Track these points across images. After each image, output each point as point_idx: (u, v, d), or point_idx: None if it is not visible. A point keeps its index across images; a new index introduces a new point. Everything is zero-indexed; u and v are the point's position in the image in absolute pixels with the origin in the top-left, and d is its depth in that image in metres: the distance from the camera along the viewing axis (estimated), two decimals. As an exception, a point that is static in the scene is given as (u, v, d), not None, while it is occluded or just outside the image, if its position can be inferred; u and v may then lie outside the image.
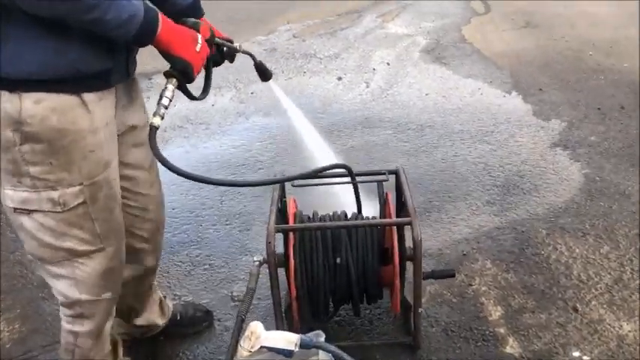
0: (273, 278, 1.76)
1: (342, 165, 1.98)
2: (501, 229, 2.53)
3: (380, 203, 1.96)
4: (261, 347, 1.59)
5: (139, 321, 1.94)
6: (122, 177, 1.61)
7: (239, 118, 3.82)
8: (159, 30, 1.37)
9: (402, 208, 2.11)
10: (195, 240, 2.59)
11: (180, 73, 1.43)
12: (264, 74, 1.84)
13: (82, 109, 1.37)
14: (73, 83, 1.34)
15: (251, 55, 1.77)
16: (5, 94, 1.28)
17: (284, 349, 1.55)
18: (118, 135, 1.55)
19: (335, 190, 2.14)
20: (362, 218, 1.95)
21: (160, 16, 1.38)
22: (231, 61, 1.71)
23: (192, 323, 2.06)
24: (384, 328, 2.04)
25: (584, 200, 2.70)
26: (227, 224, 2.68)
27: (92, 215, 1.46)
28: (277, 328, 1.84)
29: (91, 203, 1.44)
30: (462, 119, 3.60)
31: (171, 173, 1.39)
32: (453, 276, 1.93)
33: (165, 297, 2.06)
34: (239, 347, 1.60)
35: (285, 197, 2.05)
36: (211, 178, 1.54)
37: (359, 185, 2.03)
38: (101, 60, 1.37)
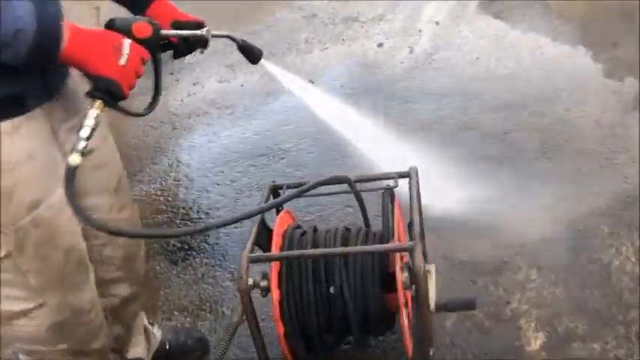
0: (252, 326, 1.48)
1: (339, 178, 1.65)
2: (553, 227, 2.11)
3: (383, 217, 1.62)
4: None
5: (130, 354, 1.75)
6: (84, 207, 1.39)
7: (267, 98, 3.51)
8: (63, 44, 1.08)
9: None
10: (202, 247, 2.36)
11: (105, 94, 1.16)
12: (251, 55, 1.52)
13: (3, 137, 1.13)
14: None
15: (229, 37, 1.47)
16: None
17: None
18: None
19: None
20: (366, 235, 1.62)
21: (66, 25, 1.10)
22: (202, 48, 1.41)
23: (183, 352, 1.84)
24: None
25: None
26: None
27: (22, 267, 1.23)
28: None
29: (18, 252, 1.21)
30: (517, 87, 3.11)
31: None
32: (474, 308, 1.57)
33: (153, 324, 1.85)
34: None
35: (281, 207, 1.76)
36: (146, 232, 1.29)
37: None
38: (6, 83, 1.12)
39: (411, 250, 1.39)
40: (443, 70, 3.47)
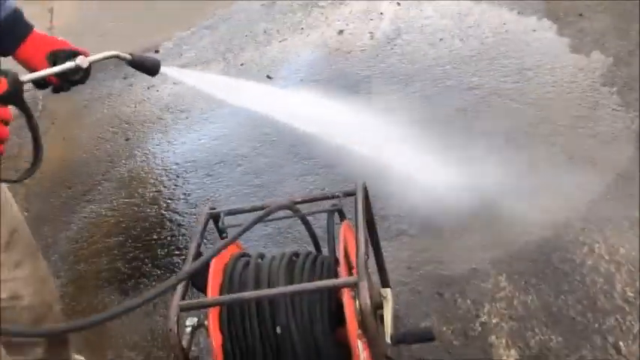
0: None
1: (282, 206, 1.49)
2: (522, 225, 1.97)
3: (328, 243, 1.47)
4: None
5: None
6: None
7: (223, 100, 3.34)
8: None
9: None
10: (154, 273, 2.21)
11: None
12: (146, 69, 1.36)
13: None
14: None
15: (116, 57, 1.30)
16: None
17: None
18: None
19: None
20: (313, 263, 1.47)
21: None
22: (83, 80, 1.25)
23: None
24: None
25: (636, 171, 2.08)
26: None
27: None
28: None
29: None
30: (481, 68, 2.96)
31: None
32: (433, 339, 1.43)
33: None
34: None
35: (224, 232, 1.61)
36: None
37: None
38: None
39: (355, 285, 1.25)
40: (406, 55, 3.31)
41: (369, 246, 1.52)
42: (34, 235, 2.55)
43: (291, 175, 2.52)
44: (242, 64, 3.68)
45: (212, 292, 1.40)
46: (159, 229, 2.42)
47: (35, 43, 1.22)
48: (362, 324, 1.25)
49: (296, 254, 1.53)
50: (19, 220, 1.38)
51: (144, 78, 3.91)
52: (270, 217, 1.53)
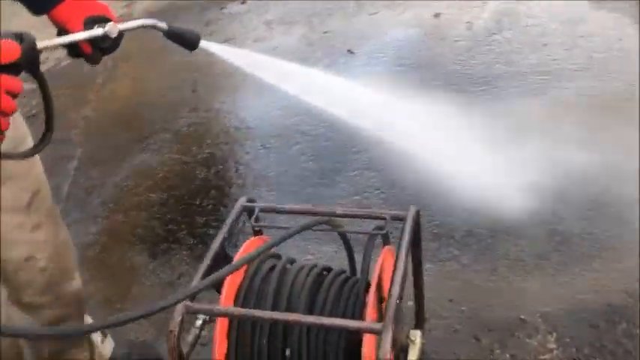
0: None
1: (322, 221, 1.34)
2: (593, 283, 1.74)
3: (362, 270, 1.31)
4: None
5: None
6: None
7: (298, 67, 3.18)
8: None
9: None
10: (186, 241, 2.13)
11: None
12: (186, 43, 1.22)
13: None
14: None
15: (145, 26, 1.17)
16: None
17: None
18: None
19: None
20: (341, 288, 1.32)
21: None
22: (113, 49, 1.13)
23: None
24: None
25: None
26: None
27: None
28: None
29: None
30: (583, 86, 2.64)
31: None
32: None
33: (104, 337, 1.65)
34: None
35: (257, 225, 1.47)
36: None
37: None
38: None
39: (378, 333, 1.10)
40: (502, 54, 3.02)
41: (403, 280, 1.34)
42: (82, 174, 2.59)
43: (348, 166, 2.36)
44: (325, 32, 3.50)
45: (226, 298, 1.28)
46: (202, 195, 2.33)
47: (73, 6, 1.10)
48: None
49: (327, 269, 1.39)
50: (43, 181, 1.31)
51: (226, 28, 3.84)
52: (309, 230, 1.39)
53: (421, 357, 1.52)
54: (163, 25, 1.18)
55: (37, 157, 1.27)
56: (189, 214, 2.25)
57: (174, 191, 2.38)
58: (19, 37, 0.91)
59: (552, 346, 1.59)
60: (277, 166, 2.43)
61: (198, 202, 2.30)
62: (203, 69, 3.24)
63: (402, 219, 1.36)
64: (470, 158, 2.10)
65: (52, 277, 1.35)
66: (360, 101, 2.26)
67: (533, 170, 2.12)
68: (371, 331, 1.13)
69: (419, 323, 1.65)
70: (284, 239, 1.20)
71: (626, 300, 1.66)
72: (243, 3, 4.01)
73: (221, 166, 2.48)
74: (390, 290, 1.18)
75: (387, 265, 1.30)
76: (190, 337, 1.32)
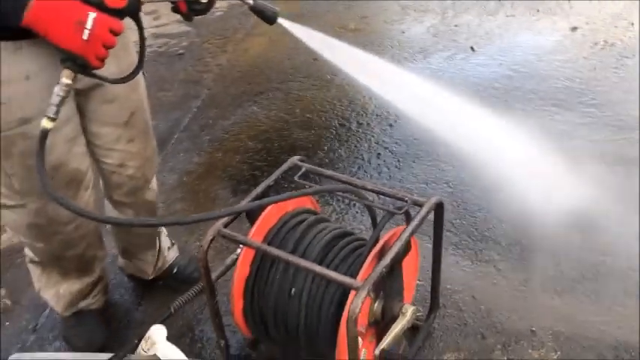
0: (208, 291, 1.51)
1: (351, 190, 1.53)
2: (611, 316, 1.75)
3: (369, 241, 1.47)
4: (155, 355, 1.44)
5: (131, 263, 1.93)
6: (90, 133, 1.53)
7: (415, 55, 3.30)
8: (28, 12, 1.11)
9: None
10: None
11: (72, 65, 1.19)
12: (264, 16, 1.44)
13: (-2, 53, 1.25)
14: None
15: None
16: None
17: (165, 367, 1.38)
18: (83, 90, 1.42)
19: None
20: (350, 252, 1.50)
21: None
22: (205, 11, 1.38)
23: (184, 281, 1.95)
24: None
25: None
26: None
27: (7, 170, 1.39)
28: (219, 337, 1.63)
29: (4, 157, 1.36)
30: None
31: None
32: None
33: (171, 245, 1.99)
34: (140, 345, 1.48)
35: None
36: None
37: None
38: None
39: (352, 288, 1.28)
40: (625, 81, 2.89)
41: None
42: (201, 112, 2.97)
43: (426, 156, 2.48)
44: (455, 25, 3.57)
45: (255, 235, 1.53)
46: (291, 153, 2.57)
47: None
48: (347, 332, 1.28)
49: (345, 234, 1.58)
50: (141, 104, 1.60)
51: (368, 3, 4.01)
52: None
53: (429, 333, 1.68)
54: (250, 0, 1.41)
55: (140, 84, 1.56)
56: (274, 165, 2.51)
57: (269, 144, 2.67)
58: None
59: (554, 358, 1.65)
60: (362, 143, 2.61)
61: (284, 158, 2.56)
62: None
63: (421, 205, 1.51)
64: (546, 177, 2.15)
65: (137, 182, 1.67)
66: (454, 100, 2.37)
67: (603, 200, 2.10)
68: (351, 287, 1.31)
69: (432, 307, 1.79)
70: (305, 194, 1.41)
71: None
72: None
73: (313, 131, 2.72)
74: (379, 261, 1.35)
75: (391, 240, 1.45)
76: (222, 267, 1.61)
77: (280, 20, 1.46)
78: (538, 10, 3.65)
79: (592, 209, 2.03)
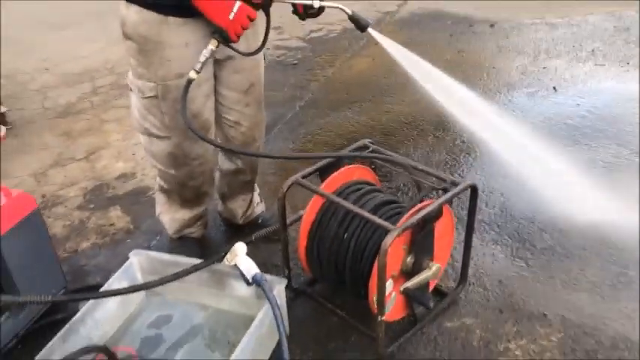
0: (282, 225, 1.98)
1: (404, 165, 1.95)
2: (620, 315, 2.00)
3: (411, 203, 1.86)
4: (235, 265, 1.90)
5: (227, 206, 2.43)
6: (219, 93, 2.05)
7: (500, 88, 3.63)
8: None
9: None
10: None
11: (219, 36, 1.72)
12: (359, 24, 1.89)
13: (166, 26, 1.81)
14: (163, 7, 1.78)
15: (339, 8, 1.86)
16: (122, 3, 1.82)
17: (244, 275, 1.84)
18: (220, 60, 1.94)
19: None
20: (394, 214, 1.90)
21: None
22: (316, 15, 1.87)
23: (268, 233, 2.40)
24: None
25: None
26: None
27: (162, 109, 1.94)
28: (284, 266, 2.08)
29: (161, 99, 1.91)
30: None
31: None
32: (428, 307, 1.74)
33: (260, 201, 2.47)
34: (226, 256, 1.94)
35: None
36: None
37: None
38: None
39: (386, 231, 1.68)
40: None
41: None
42: (302, 111, 3.48)
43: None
44: (544, 67, 3.86)
45: (326, 187, 1.97)
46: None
47: None
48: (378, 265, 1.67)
49: (394, 201, 1.98)
50: (258, 79, 2.10)
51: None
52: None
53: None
54: (349, 10, 1.88)
55: (260, 64, 2.07)
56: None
57: (353, 141, 3.08)
58: None
59: (554, 339, 1.93)
60: (434, 153, 2.98)
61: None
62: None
63: (457, 185, 1.88)
64: (588, 199, 2.44)
65: (247, 139, 2.16)
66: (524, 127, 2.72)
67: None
68: (387, 229, 1.70)
69: (461, 280, 2.13)
70: (370, 157, 1.86)
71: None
72: (491, 27, 4.53)
73: (394, 137, 3.14)
74: (408, 216, 1.74)
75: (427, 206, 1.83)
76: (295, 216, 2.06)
77: (370, 30, 1.91)
78: (628, 63, 3.85)
79: (625, 228, 2.29)
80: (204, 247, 2.36)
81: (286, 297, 2.01)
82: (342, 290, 2.07)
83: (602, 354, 1.87)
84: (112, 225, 2.61)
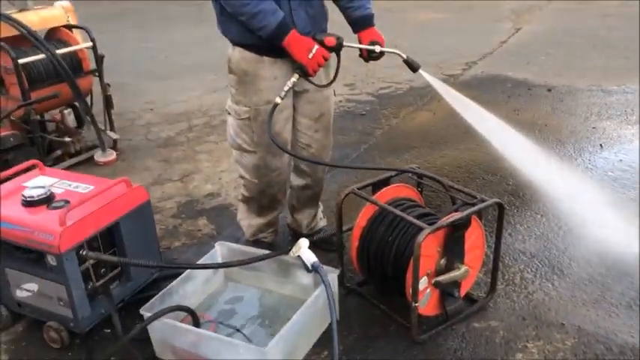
0: (338, 227, 2.41)
1: (435, 179, 2.36)
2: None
3: (446, 214, 2.25)
4: (298, 255, 2.33)
5: (294, 218, 2.89)
6: (295, 120, 2.56)
7: (550, 142, 3.95)
8: (285, 40, 2.21)
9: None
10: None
11: (300, 71, 2.24)
12: (412, 67, 2.37)
13: (261, 64, 2.36)
14: (260, 49, 2.33)
15: (396, 53, 2.34)
16: (229, 45, 2.40)
17: (305, 263, 2.27)
18: (298, 92, 2.46)
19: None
20: (435, 219, 2.28)
21: (291, 31, 2.20)
22: (377, 58, 2.36)
23: (328, 241, 2.82)
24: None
25: None
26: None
27: (252, 128, 2.46)
28: (338, 263, 2.49)
29: (253, 120, 2.44)
30: None
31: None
32: (453, 296, 2.10)
33: (322, 217, 2.92)
34: (291, 250, 2.37)
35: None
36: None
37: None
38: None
39: (419, 229, 2.07)
40: None
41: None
42: (365, 153, 3.94)
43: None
44: (594, 128, 4.16)
45: (377, 199, 2.39)
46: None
47: (370, 32, 2.36)
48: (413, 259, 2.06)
49: (433, 214, 2.37)
50: (328, 110, 2.57)
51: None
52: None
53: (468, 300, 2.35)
54: (404, 55, 2.36)
55: (330, 98, 2.56)
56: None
57: (409, 179, 3.53)
58: (337, 37, 2.22)
59: (568, 343, 2.21)
60: (484, 191, 3.34)
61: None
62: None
63: (484, 201, 2.25)
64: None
65: (316, 155, 2.62)
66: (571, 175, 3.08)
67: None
68: (422, 228, 2.09)
69: (491, 290, 2.45)
70: (414, 172, 2.27)
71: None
72: (549, 90, 4.90)
73: (446, 177, 3.52)
74: (443, 221, 2.13)
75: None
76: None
77: (421, 71, 2.38)
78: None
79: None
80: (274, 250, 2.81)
81: (339, 293, 2.42)
82: (387, 291, 2.45)
83: (609, 357, 2.14)
84: (199, 230, 3.12)
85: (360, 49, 2.36)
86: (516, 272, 2.64)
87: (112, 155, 4.06)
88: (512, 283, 2.57)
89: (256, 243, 2.78)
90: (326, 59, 2.25)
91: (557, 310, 2.39)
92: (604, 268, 2.63)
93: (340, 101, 4.94)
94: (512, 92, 4.95)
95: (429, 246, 2.13)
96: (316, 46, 2.21)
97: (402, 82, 5.28)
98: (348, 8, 2.38)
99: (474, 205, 2.27)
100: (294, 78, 2.26)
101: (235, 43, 2.36)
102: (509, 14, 7.96)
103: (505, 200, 3.25)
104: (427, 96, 4.85)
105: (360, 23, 2.38)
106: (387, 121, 4.50)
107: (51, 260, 2.14)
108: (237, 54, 2.36)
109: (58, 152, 3.96)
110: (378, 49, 2.31)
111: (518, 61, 5.84)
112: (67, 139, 3.96)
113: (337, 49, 2.27)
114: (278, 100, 2.27)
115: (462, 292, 2.34)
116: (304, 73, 2.25)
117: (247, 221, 2.77)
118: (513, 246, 2.83)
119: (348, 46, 2.31)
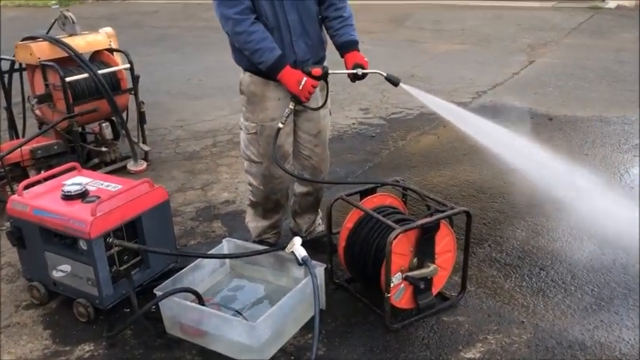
0: (328, 229, 2.77)
1: (415, 191, 2.70)
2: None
3: (418, 219, 2.59)
4: (292, 251, 2.70)
5: (296, 222, 3.26)
6: (297, 134, 2.95)
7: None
8: (280, 74, 2.62)
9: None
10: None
11: (294, 100, 2.65)
12: (392, 82, 2.73)
13: (267, 87, 2.77)
14: (266, 74, 2.74)
15: (377, 72, 2.70)
16: (240, 70, 2.82)
17: (297, 258, 2.63)
18: (298, 111, 2.86)
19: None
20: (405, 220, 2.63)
21: (285, 67, 2.61)
22: (361, 78, 2.73)
23: (319, 244, 3.16)
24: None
25: None
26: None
27: (258, 142, 2.86)
28: (327, 261, 2.84)
29: (259, 135, 2.85)
30: None
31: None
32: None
33: (321, 223, 3.28)
34: (287, 247, 2.74)
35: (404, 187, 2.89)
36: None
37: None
38: None
39: (394, 229, 2.42)
40: None
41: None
42: (372, 170, 4.30)
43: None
44: (585, 154, 4.43)
45: (363, 204, 2.75)
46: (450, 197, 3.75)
47: (353, 56, 2.74)
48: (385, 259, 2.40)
49: (410, 219, 2.71)
50: (325, 128, 2.95)
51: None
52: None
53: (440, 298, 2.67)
54: (384, 73, 2.72)
55: (326, 117, 2.94)
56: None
57: (406, 194, 3.86)
58: (323, 67, 2.62)
59: (524, 337, 2.49)
60: (490, 204, 3.66)
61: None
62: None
63: (453, 209, 2.58)
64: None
65: (315, 171, 3.00)
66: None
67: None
68: (392, 227, 2.44)
69: (462, 289, 2.77)
70: (392, 184, 2.62)
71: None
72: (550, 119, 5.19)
73: (439, 194, 3.85)
74: (411, 227, 2.47)
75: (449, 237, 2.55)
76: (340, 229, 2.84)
77: (402, 84, 2.74)
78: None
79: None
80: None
81: (328, 288, 2.78)
82: (370, 286, 2.79)
83: (558, 350, 2.43)
84: (213, 232, 3.53)
85: (348, 75, 2.73)
86: (489, 277, 2.94)
87: (142, 165, 4.53)
88: (484, 285, 2.88)
89: (261, 243, 3.16)
90: (314, 87, 2.64)
91: (520, 311, 2.68)
92: (570, 276, 2.91)
93: (353, 124, 5.34)
94: (514, 120, 5.24)
95: (402, 245, 2.48)
96: (305, 78, 2.60)
97: (413, 107, 5.65)
98: (334, 35, 2.77)
99: (444, 212, 2.61)
100: (291, 105, 2.67)
101: (246, 69, 2.78)
102: (526, 48, 8.27)
103: (490, 216, 3.58)
104: (435, 121, 5.20)
105: (345, 47, 2.76)
106: (394, 143, 4.86)
107: (82, 245, 2.56)
108: (248, 78, 2.78)
109: (96, 160, 4.45)
110: (360, 72, 2.69)
111: (526, 91, 6.14)
112: (104, 149, 4.44)
113: (324, 77, 2.66)
114: (280, 125, 2.67)
115: (435, 291, 2.66)
116: (298, 101, 2.65)
117: (254, 223, 3.16)
118: (491, 255, 3.14)
119: (334, 73, 2.69)
